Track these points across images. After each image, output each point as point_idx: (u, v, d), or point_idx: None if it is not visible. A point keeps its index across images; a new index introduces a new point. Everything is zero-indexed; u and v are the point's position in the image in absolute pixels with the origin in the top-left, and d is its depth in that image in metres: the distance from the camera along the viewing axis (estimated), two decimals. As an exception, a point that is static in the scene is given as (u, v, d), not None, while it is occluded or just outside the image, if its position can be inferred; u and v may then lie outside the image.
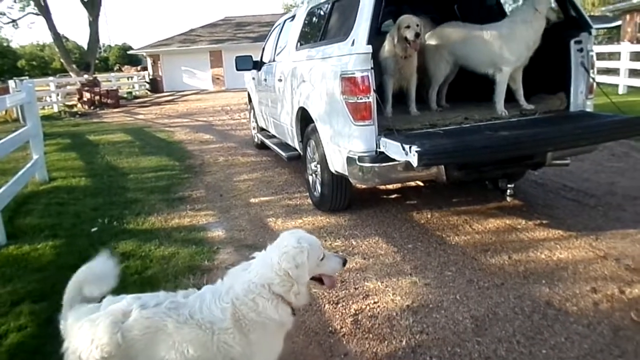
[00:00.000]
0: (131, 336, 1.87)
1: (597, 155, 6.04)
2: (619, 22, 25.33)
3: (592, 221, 4.30)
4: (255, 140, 8.61)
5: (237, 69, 7.49)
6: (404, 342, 2.76)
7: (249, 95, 8.87)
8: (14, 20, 27.94)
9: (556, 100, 4.45)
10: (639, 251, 3.67)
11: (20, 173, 5.69)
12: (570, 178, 5.54)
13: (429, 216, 4.67)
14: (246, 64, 7.34)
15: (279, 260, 2.00)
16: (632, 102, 8.50)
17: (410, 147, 3.29)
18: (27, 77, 22.88)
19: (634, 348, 2.59)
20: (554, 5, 4.31)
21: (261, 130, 8.01)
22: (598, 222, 4.27)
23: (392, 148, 3.62)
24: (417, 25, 4.31)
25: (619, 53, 13.56)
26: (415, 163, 3.25)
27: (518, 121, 4.21)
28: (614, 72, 13.68)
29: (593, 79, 4.34)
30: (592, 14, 30.08)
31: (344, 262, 2.19)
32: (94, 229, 4.78)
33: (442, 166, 3.82)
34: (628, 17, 24.22)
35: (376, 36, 4.05)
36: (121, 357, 1.88)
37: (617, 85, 13.09)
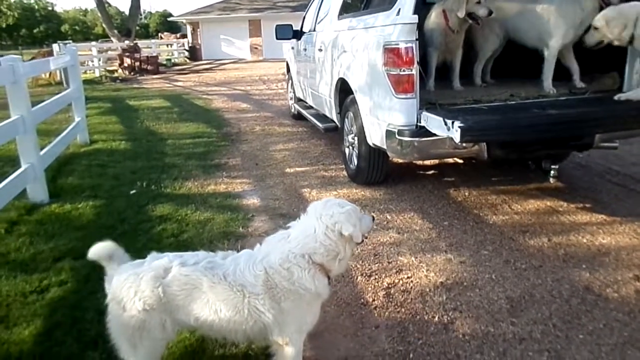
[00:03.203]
0: (171, 291, 1.94)
1: (647, 138, 5.79)
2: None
3: (638, 207, 4.14)
4: (292, 110, 8.58)
5: (277, 38, 7.41)
6: (436, 318, 2.73)
7: (287, 65, 8.81)
8: (59, -16, 28.37)
9: (608, 79, 4.25)
10: (687, 240, 3.52)
11: (62, 134, 5.84)
12: (617, 161, 5.34)
13: (466, 194, 4.58)
14: (286, 33, 7.26)
15: (326, 231, 1.99)
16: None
17: (452, 123, 3.20)
18: (70, 42, 23.28)
19: (677, 339, 2.49)
20: None
21: (298, 100, 7.97)
22: (644, 208, 4.11)
23: (434, 123, 3.53)
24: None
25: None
26: (457, 139, 3.16)
27: (567, 100, 4.04)
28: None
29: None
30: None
31: (373, 219, 2.25)
32: (132, 192, 4.88)
33: (484, 143, 3.72)
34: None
35: (422, 6, 3.92)
36: (162, 310, 1.96)
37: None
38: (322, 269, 2.01)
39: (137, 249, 3.49)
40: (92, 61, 21.00)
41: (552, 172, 4.04)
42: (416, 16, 3.63)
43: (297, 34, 7.26)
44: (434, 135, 3.57)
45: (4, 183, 3.92)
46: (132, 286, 1.95)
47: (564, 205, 4.22)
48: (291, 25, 7.29)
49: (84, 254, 3.41)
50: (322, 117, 6.24)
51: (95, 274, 3.04)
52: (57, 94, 6.43)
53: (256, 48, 30.19)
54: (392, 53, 3.77)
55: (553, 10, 4.13)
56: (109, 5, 43.87)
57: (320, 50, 5.79)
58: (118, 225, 4.06)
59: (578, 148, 4.16)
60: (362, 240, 2.15)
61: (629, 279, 3.05)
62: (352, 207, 2.07)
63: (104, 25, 26.37)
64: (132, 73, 20.29)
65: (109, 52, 22.57)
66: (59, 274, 3.22)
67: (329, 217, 2.00)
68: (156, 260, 2.03)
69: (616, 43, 3.75)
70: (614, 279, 3.06)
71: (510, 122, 3.49)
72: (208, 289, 1.95)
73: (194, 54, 29.63)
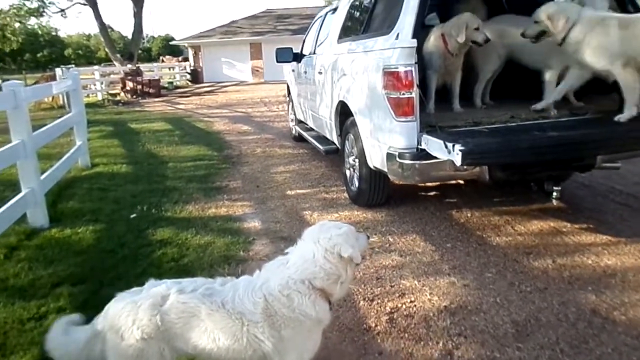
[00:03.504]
0: (169, 319, 1.92)
1: (649, 158, 5.77)
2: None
3: (642, 227, 4.11)
4: (293, 132, 8.60)
5: (278, 61, 7.48)
6: (440, 344, 2.68)
7: (288, 87, 8.88)
8: (62, 10, 28.90)
9: (609, 101, 4.25)
10: (693, 261, 3.48)
11: (64, 158, 5.85)
12: (620, 181, 5.31)
13: (469, 215, 4.55)
14: (286, 56, 7.33)
15: (325, 255, 1.97)
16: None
17: (453, 145, 3.19)
18: (73, 66, 23.53)
19: (687, 364, 2.44)
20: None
21: (299, 122, 8.00)
22: (649, 228, 4.07)
23: (434, 145, 3.52)
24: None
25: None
26: (458, 162, 3.15)
27: (567, 121, 4.03)
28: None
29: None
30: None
31: (367, 237, 2.24)
32: (133, 215, 4.86)
33: (486, 166, 3.70)
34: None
35: (420, 30, 3.95)
36: (160, 338, 1.93)
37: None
38: (323, 294, 1.98)
39: (137, 274, 3.47)
40: (95, 85, 21.20)
41: (554, 193, 4.01)
42: (415, 40, 3.66)
43: (298, 57, 7.32)
44: (435, 158, 3.56)
45: (3, 208, 3.91)
46: (130, 315, 1.92)
47: (568, 225, 4.19)
48: (291, 48, 7.36)
49: (83, 279, 3.43)
50: (323, 139, 6.25)
51: (94, 299, 3.02)
52: (59, 117, 6.46)
53: (257, 70, 30.46)
54: (391, 76, 3.79)
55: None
56: (112, 30, 44.43)
57: (320, 73, 5.83)
58: (118, 249, 4.03)
59: (580, 169, 4.14)
60: (361, 261, 2.13)
61: (637, 301, 3.00)
62: (348, 227, 2.07)
63: (106, 49, 26.66)
64: (134, 96, 20.45)
65: (112, 76, 22.79)
66: (57, 300, 3.18)
67: (327, 239, 1.98)
68: (154, 288, 2.01)
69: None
70: (621, 301, 3.01)
71: (511, 145, 3.48)
72: (206, 316, 1.92)
73: (195, 76, 29.89)
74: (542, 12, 3.93)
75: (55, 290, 3.32)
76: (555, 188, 4.00)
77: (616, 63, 3.70)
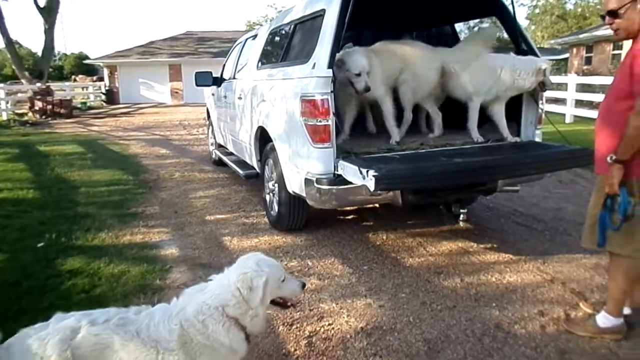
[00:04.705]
0: (80, 353, 1.85)
1: (545, 181, 6.28)
2: (566, 55, 26.67)
3: (540, 245, 4.46)
4: (213, 156, 8.52)
5: (197, 85, 7.42)
6: (357, 365, 2.76)
7: (207, 111, 8.81)
8: (-37, 23, 26.83)
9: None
10: (583, 275, 3.82)
11: (-38, 184, 5.43)
12: (520, 203, 5.74)
13: (384, 238, 4.72)
14: (206, 79, 7.28)
15: (236, 281, 1.98)
16: (578, 131, 8.91)
17: (367, 171, 3.32)
18: (-26, 83, 21.92)
19: (577, 371, 2.68)
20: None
21: (219, 146, 7.95)
22: (545, 247, 4.43)
23: (350, 171, 3.65)
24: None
25: (567, 84, 14.24)
26: (372, 187, 3.28)
27: (470, 148, 4.33)
28: (562, 101, 14.34)
29: (542, 109, 4.54)
30: (541, 46, 31.52)
31: (303, 286, 2.22)
32: (40, 244, 4.59)
33: (399, 190, 3.88)
34: (575, 50, 25.59)
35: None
36: None
37: (564, 115, 13.71)
38: (237, 324, 1.99)
39: (44, 307, 3.29)
40: (0, 104, 19.82)
41: (461, 215, 4.27)
42: (330, 70, 3.80)
43: (217, 81, 7.30)
44: (351, 183, 3.68)
45: None
46: (37, 352, 1.83)
47: (474, 246, 4.46)
48: (211, 72, 7.32)
49: (-17, 315, 3.19)
50: (243, 164, 6.25)
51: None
52: (-43, 141, 6.01)
53: (177, 92, 29.87)
54: (308, 104, 3.90)
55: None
56: (20, 46, 41.89)
57: (240, 98, 5.86)
58: (23, 281, 3.79)
59: (484, 192, 4.44)
60: (288, 305, 2.19)
61: (535, 315, 3.25)
62: (269, 268, 2.06)
63: (13, 66, 25.05)
64: (43, 117, 19.32)
65: (19, 95, 21.44)
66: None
67: (244, 270, 2.01)
68: (62, 321, 1.93)
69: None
70: (521, 316, 3.25)
71: (420, 170, 3.68)
72: (120, 347, 1.88)
73: (111, 97, 28.76)
74: None
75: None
76: (462, 211, 4.26)
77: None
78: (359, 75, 4.08)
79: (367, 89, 4.12)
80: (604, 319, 2.94)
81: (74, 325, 1.90)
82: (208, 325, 1.94)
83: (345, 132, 4.55)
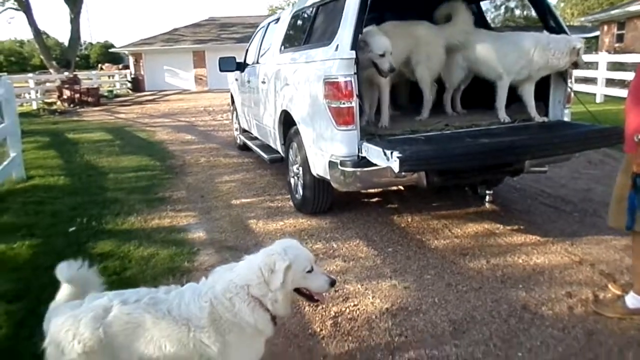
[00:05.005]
0: (112, 331, 1.91)
1: (574, 162, 6.15)
2: (597, 33, 25.92)
3: (568, 227, 4.39)
4: (238, 141, 8.58)
5: (220, 70, 7.46)
6: (382, 345, 2.78)
7: (231, 96, 8.85)
8: (-8, 15, 27.44)
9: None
10: (613, 257, 3.75)
11: (-4, 171, 5.60)
12: (548, 184, 5.65)
13: (409, 220, 4.71)
14: (229, 65, 7.32)
15: (260, 262, 2.01)
16: (608, 111, 8.69)
17: (392, 153, 3.31)
18: (5, 74, 22.45)
19: (606, 351, 2.65)
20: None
21: (244, 131, 8.00)
22: (574, 228, 4.36)
23: (374, 153, 3.64)
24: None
25: (597, 62, 13.84)
26: (396, 169, 3.27)
27: (497, 129, 4.27)
28: (592, 81, 13.95)
29: (571, 88, 4.44)
30: (571, 23, 30.68)
31: (332, 283, 2.12)
32: (71, 229, 4.72)
33: (423, 172, 3.86)
34: (606, 27, 24.82)
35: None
36: (103, 351, 1.91)
37: (594, 94, 13.36)
38: (261, 305, 2.01)
39: (77, 289, 3.38)
40: (29, 93, 20.26)
41: (487, 197, 4.24)
42: (353, 52, 3.77)
43: (241, 66, 7.33)
44: (375, 165, 3.68)
45: None
46: (70, 329, 1.90)
47: (500, 227, 4.42)
48: (234, 58, 7.36)
49: (19, 297, 3.31)
50: (267, 148, 6.29)
51: (32, 318, 2.93)
52: (-9, 129, 6.18)
53: (201, 79, 30.07)
54: (332, 86, 3.89)
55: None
56: (48, 36, 42.65)
57: (263, 82, 5.88)
58: (56, 265, 3.88)
59: (510, 173, 4.38)
60: (314, 299, 2.16)
61: (562, 296, 3.22)
62: (295, 257, 2.03)
63: (41, 56, 25.54)
64: (71, 105, 19.72)
65: (47, 84, 21.88)
66: (-7, 318, 3.06)
67: (270, 252, 2.03)
68: (95, 301, 1.99)
69: None
70: (549, 297, 3.22)
71: (445, 151, 3.65)
72: (152, 325, 1.92)
73: (136, 85, 29.14)
74: None
75: (-11, 309, 3.19)
76: (487, 192, 4.23)
77: None
78: (382, 55, 4.02)
79: (392, 70, 4.06)
80: (632, 299, 2.90)
81: (106, 304, 1.96)
82: (235, 304, 1.97)
83: (366, 113, 4.52)
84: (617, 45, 23.01)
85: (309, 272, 2.07)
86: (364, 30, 4.00)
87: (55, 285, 3.51)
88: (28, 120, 14.89)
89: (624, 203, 2.77)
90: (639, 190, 2.67)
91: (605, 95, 13.25)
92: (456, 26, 4.69)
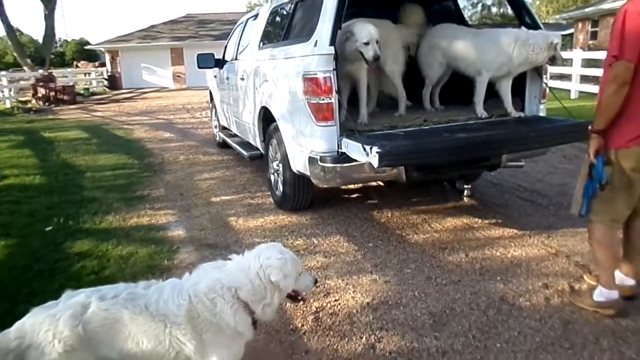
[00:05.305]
0: (91, 328, 1.89)
1: (550, 157, 6.27)
2: (571, 30, 26.35)
3: (544, 220, 4.47)
4: (217, 139, 8.53)
5: (199, 67, 7.38)
6: (363, 339, 2.80)
7: (210, 93, 8.79)
8: (-38, 12, 26.71)
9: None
10: (587, 248, 3.82)
11: (-31, 171, 5.48)
12: (525, 179, 5.74)
13: (389, 215, 4.74)
14: (208, 62, 7.25)
15: (259, 271, 2.02)
16: (582, 107, 8.86)
17: (371, 148, 3.33)
18: (-24, 71, 21.90)
19: (582, 341, 2.71)
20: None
21: (223, 129, 7.95)
22: (550, 221, 4.44)
23: (354, 149, 3.66)
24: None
25: (572, 59, 14.08)
26: (376, 164, 3.29)
27: (474, 124, 4.32)
28: (567, 77, 14.20)
29: (546, 84, 4.51)
30: (546, 21, 31.15)
31: (315, 281, 2.25)
32: (48, 228, 4.65)
33: (402, 167, 3.89)
34: (580, 25, 25.27)
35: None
36: (84, 349, 1.89)
37: (569, 90, 13.60)
38: (246, 308, 2.01)
39: (54, 289, 3.32)
40: (2, 92, 19.79)
41: (465, 191, 4.29)
42: (332, 47, 3.78)
43: (219, 63, 7.27)
44: (355, 160, 3.70)
45: None
46: (49, 329, 1.86)
47: (479, 221, 4.48)
48: (213, 54, 7.29)
49: (-5, 297, 3.25)
50: (247, 145, 6.26)
51: (8, 318, 2.87)
52: (-38, 128, 6.04)
53: (179, 76, 29.78)
54: (311, 82, 3.89)
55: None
56: (21, 33, 41.71)
57: (242, 79, 5.85)
58: (33, 264, 3.85)
59: (487, 168, 4.44)
60: (299, 299, 2.21)
61: (539, 288, 3.28)
62: (292, 258, 2.10)
63: (15, 53, 24.99)
64: (46, 103, 19.34)
65: (21, 82, 21.41)
66: (-33, 321, 3.00)
67: (266, 258, 2.04)
68: (72, 298, 1.96)
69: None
70: (526, 289, 3.28)
71: (423, 146, 3.68)
72: (129, 321, 1.92)
73: (113, 82, 28.74)
74: None
75: (-37, 311, 3.12)
76: (465, 186, 4.28)
77: None
78: (367, 44, 3.99)
79: (377, 58, 4.03)
80: (598, 293, 2.96)
81: (84, 301, 1.93)
82: (216, 304, 1.96)
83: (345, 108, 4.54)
84: (591, 42, 23.43)
85: (299, 274, 2.14)
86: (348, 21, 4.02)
87: (32, 286, 3.47)
88: (2, 119, 14.62)
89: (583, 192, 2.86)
90: (594, 179, 2.75)
91: (580, 92, 13.49)
92: (408, 28, 4.87)
